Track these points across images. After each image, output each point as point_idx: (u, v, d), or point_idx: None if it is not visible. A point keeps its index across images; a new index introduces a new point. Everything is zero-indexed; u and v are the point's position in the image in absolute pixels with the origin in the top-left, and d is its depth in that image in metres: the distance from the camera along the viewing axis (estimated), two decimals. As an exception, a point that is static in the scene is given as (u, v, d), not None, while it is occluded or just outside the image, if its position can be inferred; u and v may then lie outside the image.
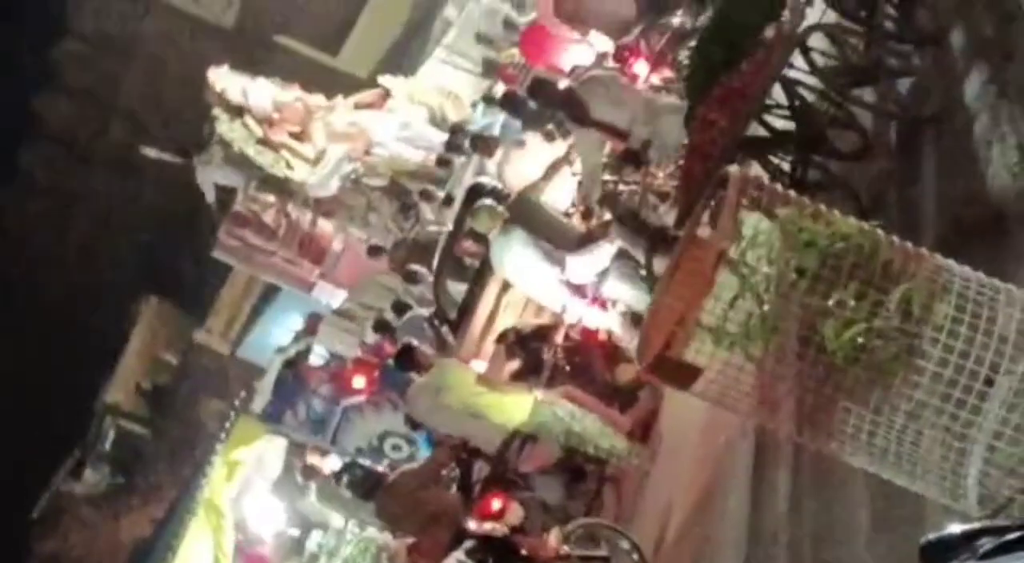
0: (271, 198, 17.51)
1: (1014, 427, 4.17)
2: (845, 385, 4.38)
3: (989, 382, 4.23)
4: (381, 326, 13.90)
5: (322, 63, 23.60)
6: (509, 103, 12.73)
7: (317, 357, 17.65)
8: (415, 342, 11.15)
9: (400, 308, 13.98)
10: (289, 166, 17.16)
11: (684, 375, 4.42)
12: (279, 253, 17.90)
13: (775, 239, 4.40)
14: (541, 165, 11.22)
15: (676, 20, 11.45)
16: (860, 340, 4.27)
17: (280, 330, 19.24)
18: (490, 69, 15.83)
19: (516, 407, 9.88)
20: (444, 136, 16.06)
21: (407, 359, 10.84)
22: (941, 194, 7.46)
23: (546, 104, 10.52)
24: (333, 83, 23.31)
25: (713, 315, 4.39)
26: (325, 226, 17.72)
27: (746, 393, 4.45)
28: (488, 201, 10.86)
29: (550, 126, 11.90)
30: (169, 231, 19.78)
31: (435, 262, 13.74)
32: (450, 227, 13.31)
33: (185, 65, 24.39)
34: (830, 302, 4.30)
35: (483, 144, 12.92)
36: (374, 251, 16.09)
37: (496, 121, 13.78)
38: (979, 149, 7.21)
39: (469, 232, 12.29)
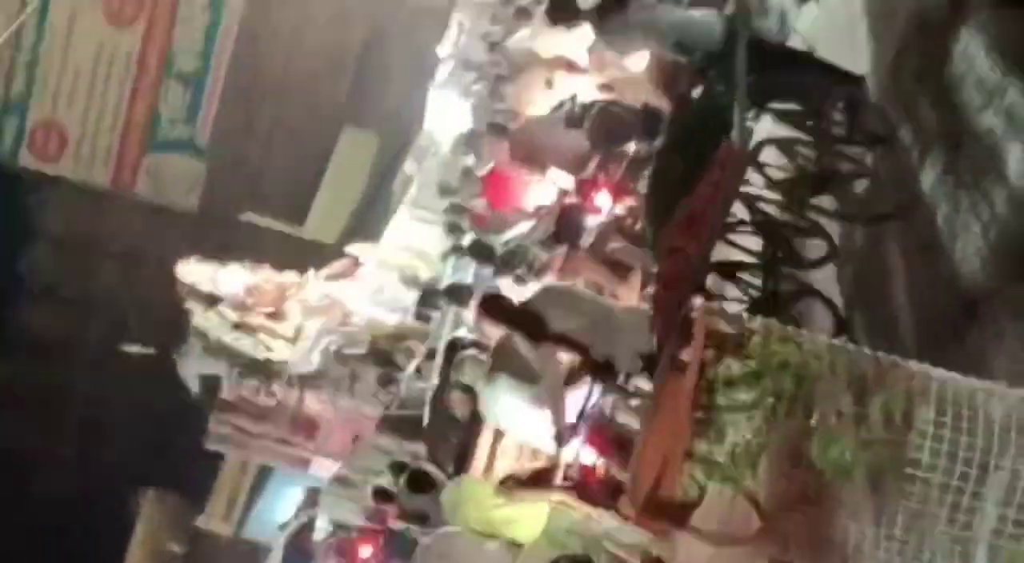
0: (256, 381, 17.49)
1: (1013, 523, 4.14)
2: (841, 501, 4.35)
3: (982, 481, 4.21)
4: (380, 493, 13.79)
5: (289, 234, 23.75)
6: (478, 251, 12.80)
7: (321, 530, 17.54)
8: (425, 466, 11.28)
9: (398, 469, 13.88)
10: (268, 348, 17.17)
11: (678, 513, 4.39)
12: (271, 434, 17.84)
13: (749, 366, 4.39)
14: (518, 307, 11.23)
15: (631, 148, 11.53)
16: (847, 455, 4.25)
17: (282, 504, 19.12)
18: (456, 219, 15.92)
19: (533, 518, 9.80)
20: (418, 295, 16.12)
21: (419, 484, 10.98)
22: (911, 291, 7.48)
23: (499, 322, 10.68)
24: (303, 252, 23.44)
25: (699, 449, 4.37)
26: (313, 401, 17.68)
27: (743, 523, 4.41)
28: (470, 352, 10.84)
29: (519, 270, 11.93)
30: (159, 422, 19.72)
31: (425, 418, 13.69)
32: (435, 382, 13.28)
33: (156, 254, 24.52)
34: (812, 421, 4.29)
35: (457, 295, 12.94)
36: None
37: (468, 271, 13.82)
38: (944, 240, 7.25)
39: (455, 384, 12.25)
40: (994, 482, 4.20)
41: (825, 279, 8.41)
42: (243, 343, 17.14)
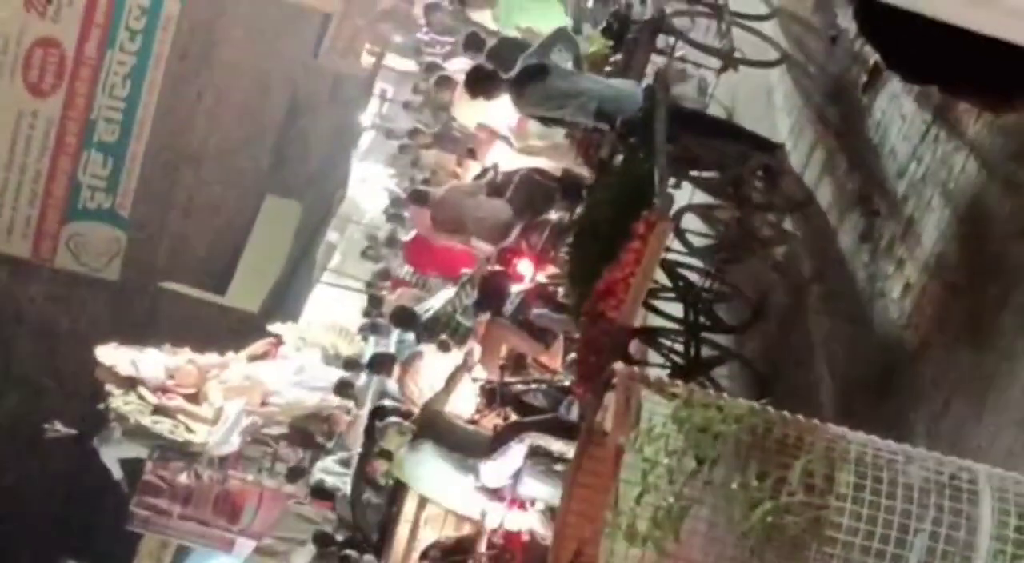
0: (179, 463, 17.38)
1: (934, 585, 4.18)
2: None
3: (903, 543, 4.23)
4: (321, 538, 13.64)
5: (211, 302, 23.62)
6: (401, 318, 12.79)
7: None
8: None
9: (322, 540, 13.78)
10: (189, 429, 17.06)
11: (600, 582, 4.38)
12: (194, 516, 17.68)
13: (670, 429, 4.41)
14: (440, 376, 11.24)
15: (553, 216, 11.59)
16: (769, 519, 4.27)
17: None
18: (377, 285, 15.94)
19: None
20: (340, 373, 16.10)
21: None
22: (831, 356, 7.56)
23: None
24: (224, 320, 23.33)
25: (622, 513, 4.37)
26: (236, 482, 17.55)
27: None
28: (394, 418, 10.82)
29: (443, 336, 11.95)
30: (79, 496, 19.48)
31: (349, 487, 13.62)
32: (359, 450, 13.23)
33: (75, 324, 24.33)
34: (733, 485, 4.31)
35: (380, 365, 12.92)
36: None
37: (390, 340, 13.81)
38: (861, 308, 7.33)
39: (379, 452, 12.21)
40: (915, 545, 4.22)
41: (744, 345, 8.47)
42: (162, 426, 17.02)
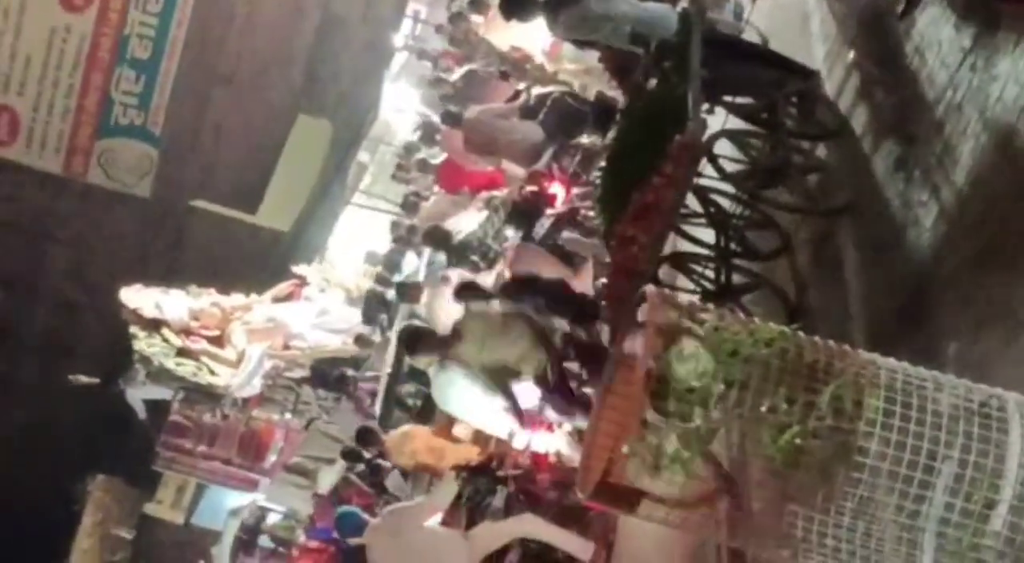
0: (203, 405, 17.47)
1: (960, 511, 4.19)
2: (789, 489, 4.39)
3: (930, 470, 4.25)
4: (349, 453, 13.75)
5: (242, 221, 23.65)
6: (433, 238, 12.81)
7: (275, 515, 17.58)
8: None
9: (350, 455, 13.90)
10: (212, 372, 17.13)
11: (627, 499, 4.42)
12: (219, 456, 17.80)
13: (700, 352, 4.42)
14: (471, 297, 11.26)
15: (585, 140, 11.57)
16: (797, 443, 4.29)
17: (233, 492, 19.07)
18: (410, 206, 15.91)
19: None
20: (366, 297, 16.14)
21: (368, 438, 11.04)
22: (862, 283, 7.55)
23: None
24: (257, 240, 23.39)
25: (649, 435, 4.39)
26: (261, 422, 17.64)
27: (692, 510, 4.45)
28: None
29: (474, 257, 11.97)
30: (109, 408, 19.60)
31: (378, 407, 13.73)
32: (388, 370, 13.31)
33: (106, 239, 24.41)
34: (762, 408, 4.32)
35: (408, 291, 12.93)
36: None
37: (418, 266, 13.83)
38: (893, 236, 7.31)
39: (408, 372, 12.29)
40: (942, 472, 4.24)
41: (774, 272, 8.46)
42: (186, 368, 17.10)
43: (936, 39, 7.60)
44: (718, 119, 8.69)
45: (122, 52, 23.77)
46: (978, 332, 5.83)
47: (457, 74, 14.47)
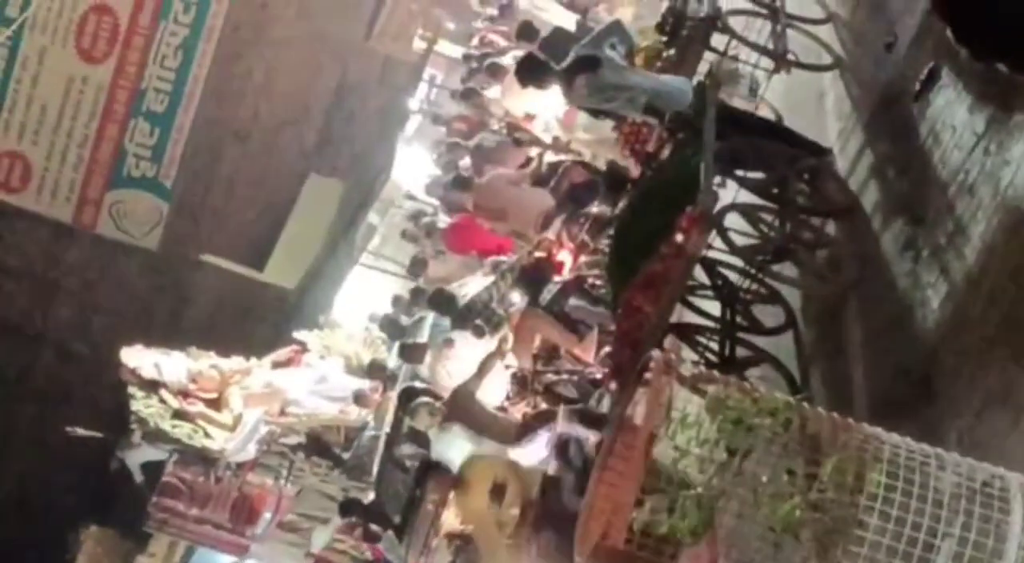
0: (197, 467, 17.43)
1: (958, 590, 4.16)
2: (788, 560, 4.36)
3: (930, 547, 4.22)
4: (347, 505, 13.72)
5: (248, 277, 23.67)
6: (438, 301, 12.79)
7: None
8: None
9: (347, 509, 13.84)
10: (207, 435, 17.07)
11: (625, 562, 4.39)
12: (211, 520, 17.69)
13: (703, 419, 4.41)
14: (472, 363, 11.24)
15: (594, 209, 11.59)
16: (797, 514, 4.26)
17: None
18: (417, 268, 15.90)
19: None
20: (362, 383, 16.09)
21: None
22: (868, 361, 7.53)
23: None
24: (263, 297, 23.40)
25: (649, 500, 4.37)
26: (255, 487, 17.57)
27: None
28: (425, 399, 10.84)
29: (479, 322, 11.94)
30: (104, 460, 19.52)
31: (375, 469, 13.66)
32: (387, 431, 13.25)
33: (112, 291, 24.43)
34: (763, 478, 4.30)
35: (411, 352, 12.88)
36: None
37: (423, 331, 13.78)
38: (901, 315, 7.30)
39: (407, 433, 12.23)
40: (942, 549, 4.21)
41: (779, 348, 8.45)
42: (181, 430, 17.04)
43: (950, 122, 7.63)
44: (729, 192, 8.71)
45: (138, 104, 23.88)
46: (983, 412, 5.81)
47: (473, 141, 14.52)
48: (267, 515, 17.32)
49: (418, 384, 11.50)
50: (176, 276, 24.08)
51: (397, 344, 14.14)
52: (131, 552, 20.45)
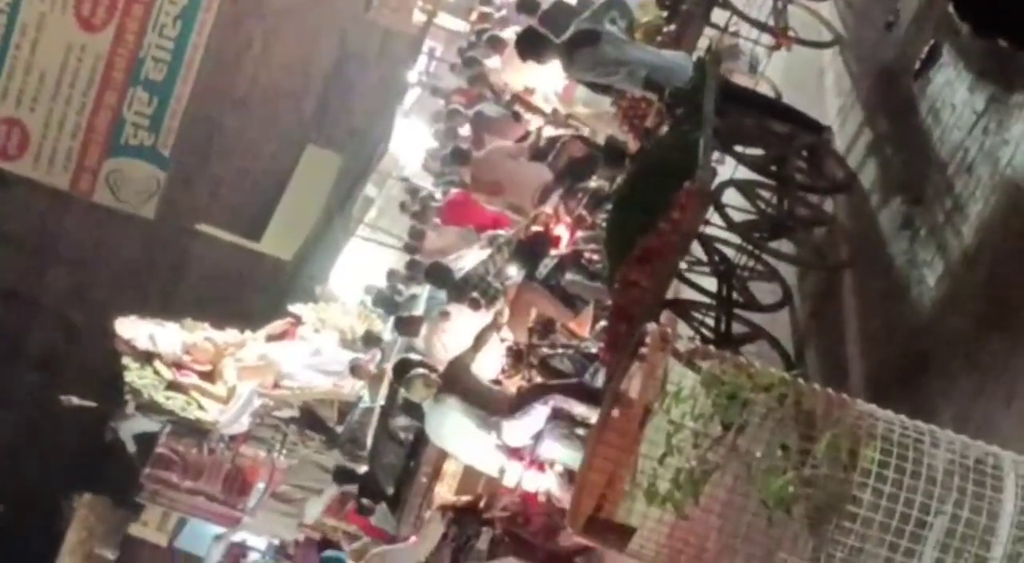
0: (191, 439, 17.43)
1: (950, 567, 4.17)
2: (780, 535, 4.36)
3: (922, 524, 4.23)
4: (342, 474, 13.78)
5: (245, 247, 23.65)
6: (435, 274, 12.78)
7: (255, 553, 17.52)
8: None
9: (342, 476, 13.88)
10: (201, 407, 17.08)
11: (617, 536, 4.39)
12: (203, 491, 17.71)
13: (698, 393, 4.41)
14: (467, 336, 11.23)
15: (593, 184, 11.58)
16: (791, 489, 4.27)
17: (216, 522, 19.01)
18: (416, 237, 15.90)
19: None
20: (357, 355, 16.10)
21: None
22: (863, 338, 7.54)
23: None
24: (259, 267, 23.40)
25: (643, 473, 4.38)
26: (247, 459, 17.58)
27: (681, 550, 4.42)
28: (421, 370, 10.84)
29: (475, 294, 11.94)
30: (97, 428, 19.53)
31: (369, 439, 13.67)
32: (381, 403, 13.26)
33: (109, 259, 24.42)
34: (757, 453, 4.31)
35: (407, 325, 12.87)
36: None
37: (420, 296, 13.78)
38: (897, 293, 7.31)
39: (402, 404, 12.24)
40: (934, 526, 4.22)
41: (775, 324, 8.45)
42: (175, 402, 17.05)
43: (950, 101, 7.63)
44: (727, 168, 8.70)
45: (136, 73, 23.82)
46: (978, 390, 5.82)
47: (472, 109, 14.49)
48: (260, 487, 17.36)
49: (413, 356, 11.48)
50: (173, 245, 24.06)
51: (393, 317, 14.16)
52: (124, 520, 20.53)
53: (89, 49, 23.77)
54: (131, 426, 17.98)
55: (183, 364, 17.50)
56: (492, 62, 14.24)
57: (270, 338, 18.17)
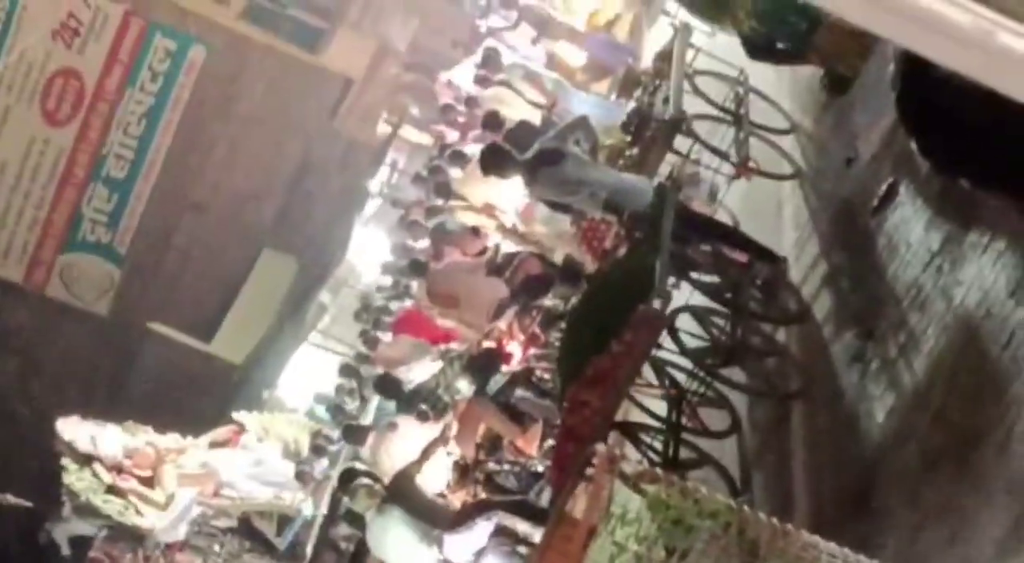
0: (125, 544, 17.24)
1: None
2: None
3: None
4: None
5: (196, 349, 23.52)
6: (384, 386, 12.75)
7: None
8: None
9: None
10: (138, 512, 16.93)
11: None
12: None
13: (644, 517, 4.40)
14: (414, 448, 11.19)
15: (548, 302, 11.61)
16: (731, 618, 4.25)
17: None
18: (370, 343, 15.86)
19: None
20: (303, 461, 16.01)
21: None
22: (810, 469, 7.55)
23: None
24: (208, 369, 23.24)
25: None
26: None
27: None
28: (365, 480, 10.78)
29: (423, 407, 11.92)
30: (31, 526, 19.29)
31: (309, 550, 13.56)
32: (324, 512, 13.17)
33: (58, 354, 24.22)
34: (700, 579, 4.29)
35: (354, 433, 12.82)
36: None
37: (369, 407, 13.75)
38: (845, 426, 7.33)
39: (344, 514, 12.15)
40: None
41: (722, 452, 8.45)
42: (112, 506, 16.89)
43: (906, 238, 7.71)
44: (683, 294, 8.74)
45: (98, 169, 23.81)
46: (921, 528, 5.82)
47: (432, 222, 14.54)
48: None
49: (359, 465, 11.43)
50: (123, 343, 23.88)
51: (342, 426, 14.10)
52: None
53: (52, 143, 23.77)
54: (67, 528, 17.78)
55: (123, 468, 17.32)
56: (454, 173, 14.34)
57: (213, 445, 18.01)
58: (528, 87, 14.54)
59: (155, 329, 23.65)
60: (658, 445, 8.57)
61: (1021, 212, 6.17)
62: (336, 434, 15.28)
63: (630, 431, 8.83)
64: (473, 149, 13.63)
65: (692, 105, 10.71)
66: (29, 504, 18.82)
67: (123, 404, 20.47)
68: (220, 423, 18.65)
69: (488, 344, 11.88)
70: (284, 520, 16.04)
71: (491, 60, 15.30)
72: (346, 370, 15.86)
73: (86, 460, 17.18)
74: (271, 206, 24.48)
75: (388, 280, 16.45)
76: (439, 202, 14.25)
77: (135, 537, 17.06)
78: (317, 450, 15.59)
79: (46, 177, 23.92)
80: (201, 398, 22.49)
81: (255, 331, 23.24)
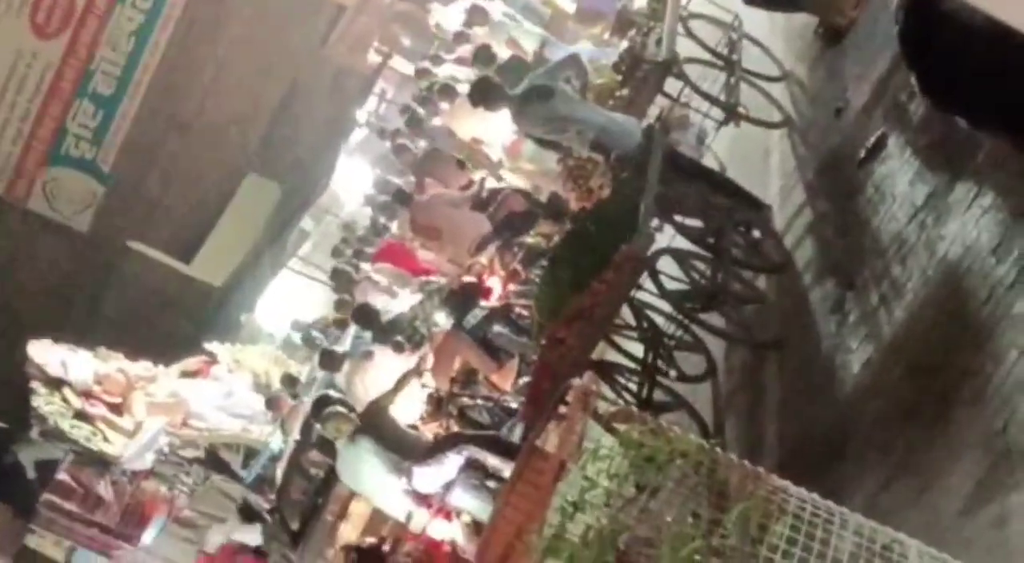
0: (92, 469, 17.23)
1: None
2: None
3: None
4: (247, 510, 13.66)
5: (175, 269, 23.45)
6: (362, 316, 12.74)
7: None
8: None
9: (247, 513, 13.76)
10: (106, 439, 16.92)
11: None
12: (100, 523, 17.48)
13: (616, 454, 4.41)
14: (389, 378, 11.20)
15: (530, 239, 11.60)
16: (697, 558, 4.26)
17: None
18: (342, 282, 15.82)
19: None
20: (274, 391, 16.01)
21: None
22: (783, 417, 7.57)
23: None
24: (187, 290, 23.18)
25: (552, 527, 4.35)
26: (147, 494, 17.39)
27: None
28: (339, 408, 10.78)
29: (399, 338, 11.92)
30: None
31: (280, 472, 13.57)
32: (296, 438, 13.17)
33: (37, 268, 24.14)
34: (668, 518, 4.30)
35: (330, 359, 12.82)
36: None
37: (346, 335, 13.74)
38: (821, 376, 7.35)
39: (316, 441, 12.16)
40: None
41: (696, 396, 8.47)
42: (80, 432, 16.87)
43: (891, 191, 7.70)
44: (665, 237, 8.73)
45: (85, 85, 23.67)
46: (891, 479, 5.85)
47: (422, 148, 14.49)
48: (158, 521, 17.16)
49: (333, 393, 11.42)
50: (102, 260, 23.80)
51: (318, 351, 14.10)
52: (23, 530, 20.25)
53: (40, 56, 23.60)
54: (33, 452, 17.80)
55: (93, 394, 17.30)
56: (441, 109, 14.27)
57: (183, 374, 18.00)
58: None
59: (135, 248, 23.57)
60: (633, 386, 8.59)
61: (1018, 150, 6.12)
62: (304, 375, 15.32)
63: (606, 371, 8.83)
64: (463, 85, 13.56)
65: (685, 48, 10.67)
66: (3, 425, 18.82)
67: (99, 323, 20.45)
68: (195, 345, 18.65)
69: (468, 278, 11.87)
70: (251, 453, 16.05)
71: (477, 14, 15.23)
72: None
73: (56, 384, 17.17)
74: (257, 130, 24.37)
75: (368, 212, 16.39)
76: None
77: (102, 462, 17.07)
78: (286, 383, 15.56)
79: (32, 90, 23.77)
80: (178, 319, 22.47)
81: (235, 255, 23.19)
